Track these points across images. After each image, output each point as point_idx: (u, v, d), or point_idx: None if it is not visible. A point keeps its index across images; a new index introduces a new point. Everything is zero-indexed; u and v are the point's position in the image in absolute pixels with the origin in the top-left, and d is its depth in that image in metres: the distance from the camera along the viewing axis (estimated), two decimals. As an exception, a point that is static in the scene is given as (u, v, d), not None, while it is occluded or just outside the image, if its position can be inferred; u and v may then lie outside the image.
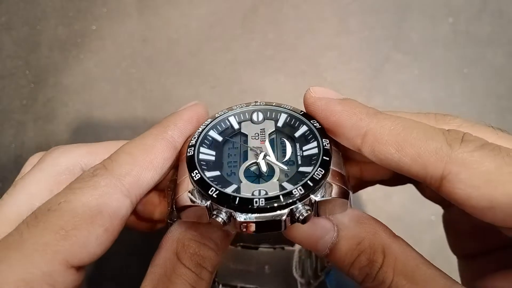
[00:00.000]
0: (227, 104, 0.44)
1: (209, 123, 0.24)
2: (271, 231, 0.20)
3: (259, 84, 0.45)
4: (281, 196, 0.19)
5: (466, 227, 0.26)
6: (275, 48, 0.46)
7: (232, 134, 0.25)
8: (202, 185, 0.20)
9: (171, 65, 0.45)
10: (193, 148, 0.22)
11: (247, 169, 0.23)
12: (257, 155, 0.23)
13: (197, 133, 0.23)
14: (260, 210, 0.19)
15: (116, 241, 0.21)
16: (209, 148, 0.23)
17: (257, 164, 0.22)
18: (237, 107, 0.25)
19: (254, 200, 0.19)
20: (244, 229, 0.19)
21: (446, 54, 0.45)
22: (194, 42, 0.46)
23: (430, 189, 0.26)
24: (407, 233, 0.22)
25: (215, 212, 0.20)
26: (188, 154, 0.22)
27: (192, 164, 0.22)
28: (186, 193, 0.21)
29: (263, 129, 0.24)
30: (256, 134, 0.24)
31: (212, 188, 0.20)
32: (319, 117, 0.22)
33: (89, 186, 0.21)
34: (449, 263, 0.26)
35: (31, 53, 0.45)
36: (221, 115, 0.25)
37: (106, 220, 0.20)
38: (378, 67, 0.45)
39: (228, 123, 0.25)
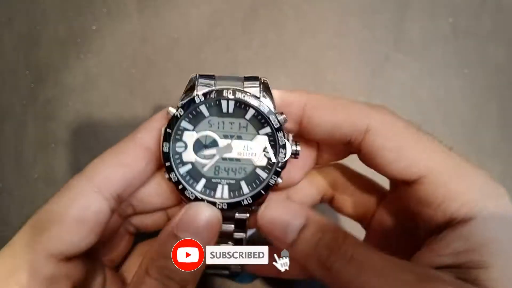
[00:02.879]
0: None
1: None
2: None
3: (259, 84, 0.45)
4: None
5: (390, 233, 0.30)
6: (275, 48, 0.46)
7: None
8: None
9: (171, 65, 0.45)
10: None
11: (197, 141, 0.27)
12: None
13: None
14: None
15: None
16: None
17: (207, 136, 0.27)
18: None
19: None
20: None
21: (446, 54, 0.45)
22: (194, 42, 0.45)
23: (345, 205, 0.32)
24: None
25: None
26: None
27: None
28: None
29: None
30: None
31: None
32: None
33: (64, 188, 0.25)
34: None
35: (31, 53, 0.45)
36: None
37: (79, 215, 0.24)
38: (378, 67, 0.45)
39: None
